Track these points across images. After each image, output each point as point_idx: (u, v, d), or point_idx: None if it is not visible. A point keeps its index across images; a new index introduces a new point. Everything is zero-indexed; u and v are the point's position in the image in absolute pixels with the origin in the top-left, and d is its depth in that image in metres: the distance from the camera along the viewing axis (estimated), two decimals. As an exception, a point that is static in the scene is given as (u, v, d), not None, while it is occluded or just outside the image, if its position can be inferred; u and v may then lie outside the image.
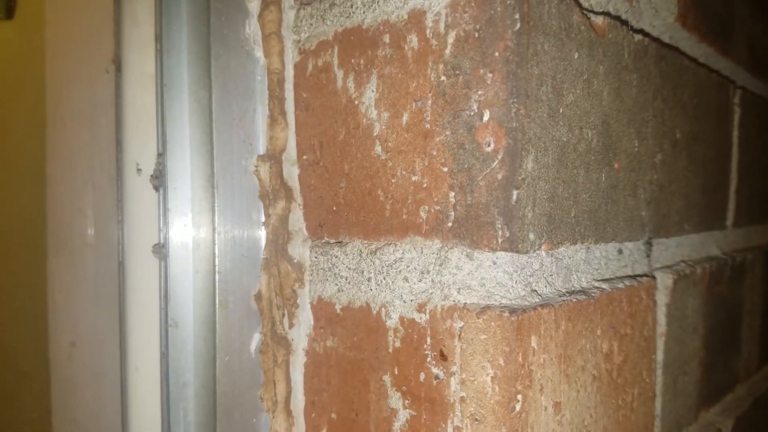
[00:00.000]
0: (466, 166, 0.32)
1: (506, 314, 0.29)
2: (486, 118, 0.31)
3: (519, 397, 0.30)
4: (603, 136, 0.36)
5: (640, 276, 0.41)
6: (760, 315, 0.67)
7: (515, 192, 0.30)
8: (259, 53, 0.42)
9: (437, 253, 0.33)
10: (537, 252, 0.32)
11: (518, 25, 0.30)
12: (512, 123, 0.30)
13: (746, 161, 0.60)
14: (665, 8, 0.44)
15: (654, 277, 0.42)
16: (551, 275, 0.34)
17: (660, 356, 0.44)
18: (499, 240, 0.30)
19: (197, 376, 0.40)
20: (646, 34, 0.40)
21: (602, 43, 0.36)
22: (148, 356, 0.41)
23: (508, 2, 0.30)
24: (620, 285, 0.38)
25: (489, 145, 0.31)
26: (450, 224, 0.32)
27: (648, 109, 0.41)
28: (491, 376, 0.30)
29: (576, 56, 0.33)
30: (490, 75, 0.31)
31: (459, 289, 0.32)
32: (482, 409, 0.30)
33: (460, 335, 0.31)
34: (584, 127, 0.34)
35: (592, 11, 0.35)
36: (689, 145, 0.47)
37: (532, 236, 0.31)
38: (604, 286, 0.37)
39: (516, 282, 0.32)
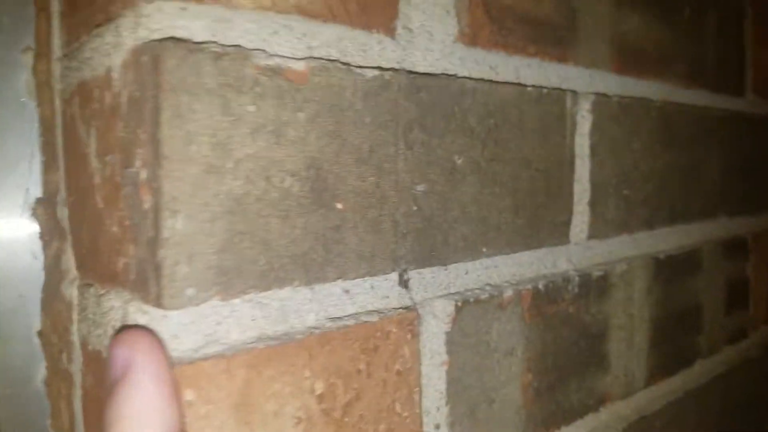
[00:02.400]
0: (136, 221, 0.33)
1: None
2: (143, 176, 0.32)
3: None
4: (312, 181, 0.37)
5: (390, 310, 0.41)
6: (648, 328, 0.64)
7: (161, 250, 0.31)
8: (34, 102, 0.44)
9: (124, 305, 0.34)
10: (206, 303, 0.33)
11: (159, 89, 0.31)
12: (155, 183, 0.31)
13: (607, 170, 0.58)
14: (442, 30, 0.44)
15: (412, 309, 0.42)
16: (236, 322, 0.35)
17: (440, 385, 0.44)
18: (153, 296, 0.32)
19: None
20: (387, 69, 0.40)
21: (303, 90, 0.36)
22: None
23: (149, 66, 0.31)
24: (349, 322, 0.39)
25: (147, 204, 0.32)
26: (133, 277, 0.34)
27: (398, 143, 0.41)
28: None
29: (253, 109, 0.34)
30: (144, 135, 0.32)
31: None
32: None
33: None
34: (273, 177, 0.35)
35: (290, 57, 0.35)
36: (483, 168, 0.46)
37: (191, 291, 0.32)
38: (330, 324, 0.38)
39: (194, 333, 0.33)
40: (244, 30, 0.34)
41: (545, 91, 0.51)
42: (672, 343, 0.68)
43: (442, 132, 0.44)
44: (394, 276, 0.42)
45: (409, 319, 0.42)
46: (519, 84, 0.49)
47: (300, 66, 0.36)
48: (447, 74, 0.44)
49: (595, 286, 0.57)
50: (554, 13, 0.51)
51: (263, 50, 0.35)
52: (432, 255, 0.44)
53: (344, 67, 0.38)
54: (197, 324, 0.33)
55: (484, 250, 0.47)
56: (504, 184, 0.48)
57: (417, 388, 0.42)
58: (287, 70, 0.35)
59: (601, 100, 0.57)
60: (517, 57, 0.49)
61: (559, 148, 0.53)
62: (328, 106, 0.37)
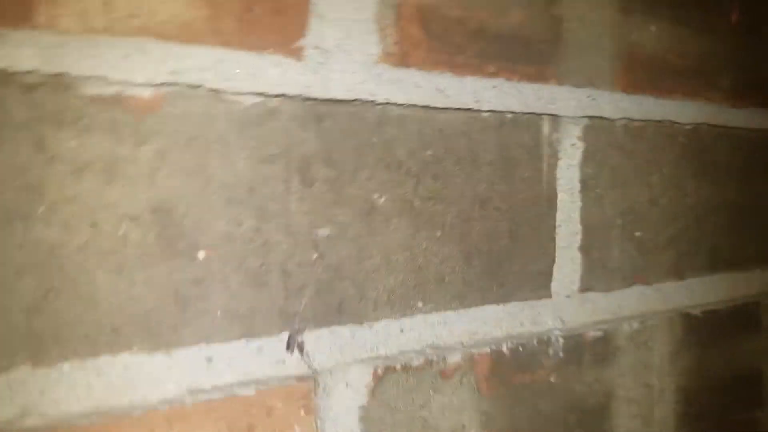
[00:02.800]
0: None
1: None
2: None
3: None
4: (161, 227, 0.31)
5: (279, 379, 0.35)
6: (674, 401, 0.53)
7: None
8: None
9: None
10: (15, 370, 0.28)
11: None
12: (-58, 234, 0.27)
13: (607, 208, 0.48)
14: (363, 49, 0.37)
15: (308, 378, 0.35)
16: (67, 391, 0.30)
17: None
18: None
19: None
20: (274, 96, 0.34)
21: (148, 120, 0.31)
22: None
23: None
24: (215, 395, 0.32)
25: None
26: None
27: (290, 180, 0.35)
28: None
29: (74, 145, 0.29)
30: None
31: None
32: None
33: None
34: (103, 222, 0.30)
35: (139, 84, 0.31)
36: (416, 209, 0.39)
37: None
38: (189, 398, 0.32)
39: (8, 403, 0.28)
40: (82, 55, 0.30)
41: (510, 116, 0.43)
42: (713, 419, 0.56)
43: (355, 167, 0.37)
44: (278, 338, 0.35)
45: (303, 390, 0.35)
46: (470, 110, 0.41)
47: (147, 93, 0.31)
48: (363, 100, 0.37)
49: (590, 350, 0.47)
50: (527, 24, 0.43)
51: (103, 77, 0.30)
52: (341, 311, 0.37)
53: (211, 93, 0.33)
54: (13, 393, 0.28)
55: (420, 305, 0.40)
56: (449, 226, 0.40)
57: (311, 474, 0.35)
58: (129, 98, 0.31)
59: (597, 125, 0.47)
60: (471, 78, 0.41)
61: (531, 183, 0.44)
62: (186, 138, 0.32)
